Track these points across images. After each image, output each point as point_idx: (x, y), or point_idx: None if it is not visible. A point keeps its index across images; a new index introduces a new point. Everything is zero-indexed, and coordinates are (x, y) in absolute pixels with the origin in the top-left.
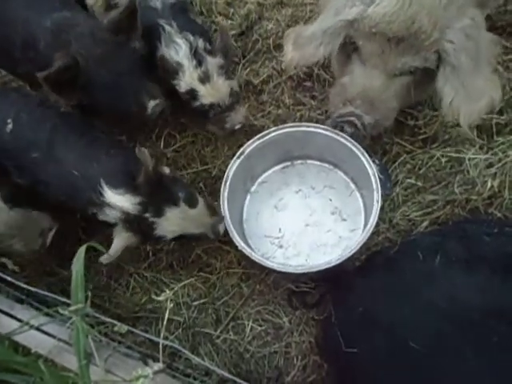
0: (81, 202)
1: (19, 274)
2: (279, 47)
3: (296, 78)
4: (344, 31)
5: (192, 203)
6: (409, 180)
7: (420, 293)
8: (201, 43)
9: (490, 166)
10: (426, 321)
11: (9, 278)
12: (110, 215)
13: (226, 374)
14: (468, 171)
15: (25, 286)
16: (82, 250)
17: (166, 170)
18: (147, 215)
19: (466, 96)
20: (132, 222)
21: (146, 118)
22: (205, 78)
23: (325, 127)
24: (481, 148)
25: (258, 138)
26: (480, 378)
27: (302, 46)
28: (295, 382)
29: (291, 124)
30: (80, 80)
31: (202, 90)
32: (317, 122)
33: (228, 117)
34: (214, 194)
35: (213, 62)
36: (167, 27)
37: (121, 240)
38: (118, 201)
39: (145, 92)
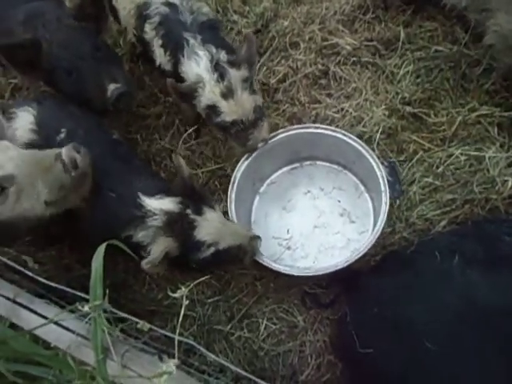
0: (119, 224)
1: (40, 269)
2: (295, 45)
3: (312, 76)
4: None
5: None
6: (426, 179)
7: (437, 293)
8: (223, 56)
9: (511, 164)
10: (443, 321)
11: (29, 273)
12: (150, 227)
13: (241, 371)
14: (488, 170)
15: (45, 281)
16: (101, 247)
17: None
18: (188, 211)
19: None
20: (175, 222)
21: (107, 102)
22: (228, 93)
23: (333, 128)
24: (501, 146)
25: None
26: (499, 379)
27: None
28: (309, 381)
29: (300, 125)
30: (44, 62)
31: (224, 106)
32: (332, 120)
33: (251, 134)
34: None
35: (236, 75)
36: (191, 40)
37: (160, 244)
38: (160, 204)
39: (105, 75)
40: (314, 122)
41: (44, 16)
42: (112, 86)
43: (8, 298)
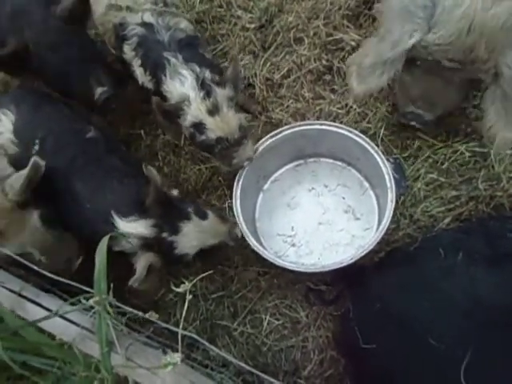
0: (95, 235)
1: (45, 264)
2: (299, 40)
3: (316, 72)
4: (404, 56)
5: (202, 215)
6: (431, 175)
7: (440, 290)
8: (208, 74)
9: None
10: (446, 319)
11: (35, 268)
12: (126, 245)
13: (244, 365)
14: (493, 166)
15: (50, 275)
16: (104, 241)
17: (174, 192)
18: (165, 235)
19: (505, 124)
20: (151, 245)
21: (95, 104)
22: (214, 110)
23: (338, 125)
24: None
25: (271, 136)
26: (502, 378)
27: (365, 78)
28: (312, 376)
29: (304, 122)
30: (32, 64)
31: (210, 122)
32: (336, 116)
33: (236, 152)
34: (232, 188)
35: (222, 94)
36: (172, 59)
37: (143, 260)
38: (133, 228)
39: (93, 79)
40: (318, 117)
41: (30, 15)
42: (99, 90)
43: (14, 292)
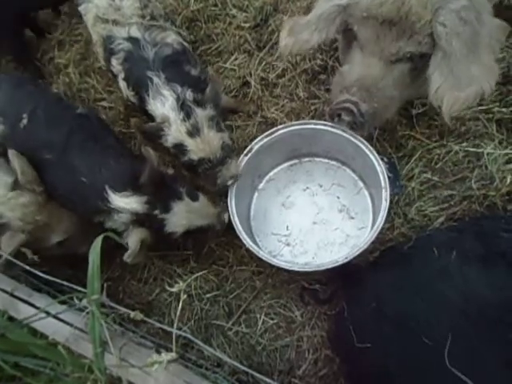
0: (88, 210)
1: (39, 264)
2: None
3: (311, 71)
4: (338, 16)
5: (194, 197)
6: (425, 174)
7: (434, 289)
8: (189, 95)
9: (510, 161)
10: (440, 317)
11: (27, 267)
12: (118, 221)
13: (238, 365)
14: (486, 166)
15: (42, 275)
16: (98, 240)
17: (170, 171)
18: (156, 212)
19: (453, 83)
20: (143, 221)
21: None
22: (194, 132)
23: (333, 125)
24: (500, 143)
25: (266, 136)
26: (496, 376)
27: (297, 33)
28: (306, 376)
29: (299, 122)
30: None
31: (190, 144)
32: None
33: (219, 172)
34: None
35: (202, 114)
36: (155, 79)
37: (135, 235)
38: (126, 203)
39: None
40: (313, 117)
41: None
42: None
43: (6, 292)
